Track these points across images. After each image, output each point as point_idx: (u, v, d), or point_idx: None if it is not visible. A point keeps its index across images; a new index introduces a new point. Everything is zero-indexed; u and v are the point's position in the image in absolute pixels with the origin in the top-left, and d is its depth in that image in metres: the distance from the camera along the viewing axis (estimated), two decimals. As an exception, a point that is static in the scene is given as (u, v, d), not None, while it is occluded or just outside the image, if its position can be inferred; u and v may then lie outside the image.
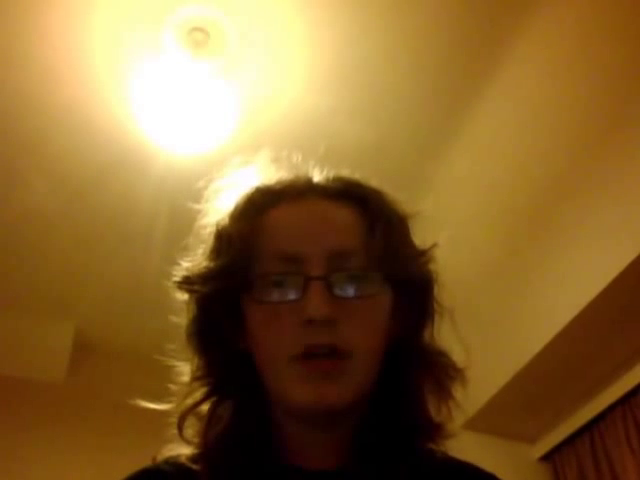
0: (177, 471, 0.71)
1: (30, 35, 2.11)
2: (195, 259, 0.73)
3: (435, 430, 0.72)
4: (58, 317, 3.06)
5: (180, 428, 0.71)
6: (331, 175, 0.79)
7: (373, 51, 2.19)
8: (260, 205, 0.74)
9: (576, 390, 2.47)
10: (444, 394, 0.74)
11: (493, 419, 2.61)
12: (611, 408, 2.41)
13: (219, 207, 0.76)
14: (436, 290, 0.78)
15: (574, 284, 2.18)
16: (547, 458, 2.68)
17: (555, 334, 2.24)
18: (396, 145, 2.41)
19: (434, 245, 0.79)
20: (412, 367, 0.73)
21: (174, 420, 0.72)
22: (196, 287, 0.71)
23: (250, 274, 0.69)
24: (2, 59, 2.17)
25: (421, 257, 0.76)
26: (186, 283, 0.72)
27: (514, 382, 2.44)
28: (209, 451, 0.70)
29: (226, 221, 0.73)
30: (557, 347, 2.27)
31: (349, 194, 0.75)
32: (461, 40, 2.16)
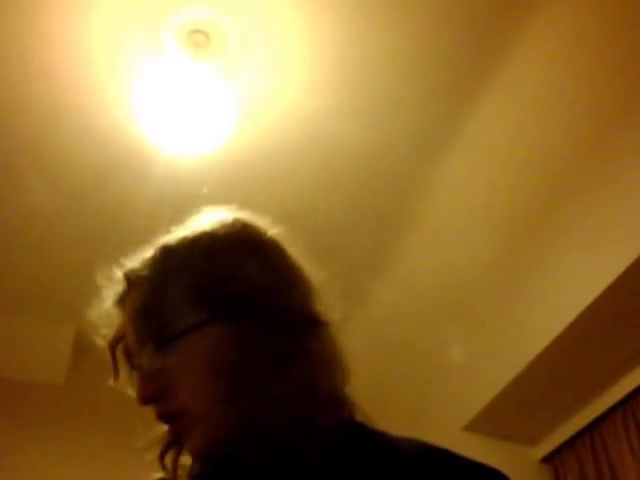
0: None
1: (30, 36, 2.11)
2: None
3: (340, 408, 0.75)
4: (58, 319, 3.05)
5: (161, 462, 0.80)
6: (142, 256, 0.84)
7: (373, 51, 2.19)
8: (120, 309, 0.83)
9: (577, 391, 2.46)
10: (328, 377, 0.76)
11: (494, 421, 2.61)
12: (612, 410, 2.41)
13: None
14: (259, 307, 0.76)
15: (574, 285, 2.18)
16: (548, 460, 2.68)
17: (555, 336, 2.24)
18: (396, 145, 2.40)
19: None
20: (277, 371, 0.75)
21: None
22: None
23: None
24: (2, 59, 2.17)
25: (217, 287, 0.76)
26: None
27: (515, 384, 2.43)
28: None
29: (111, 340, 0.85)
30: (557, 349, 2.27)
31: (132, 280, 0.82)
32: (461, 40, 2.16)
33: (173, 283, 0.77)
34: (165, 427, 0.79)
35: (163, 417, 0.76)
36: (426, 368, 2.75)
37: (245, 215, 0.85)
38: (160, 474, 0.82)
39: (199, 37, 2.12)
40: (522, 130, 2.30)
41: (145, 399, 0.76)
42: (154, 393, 0.75)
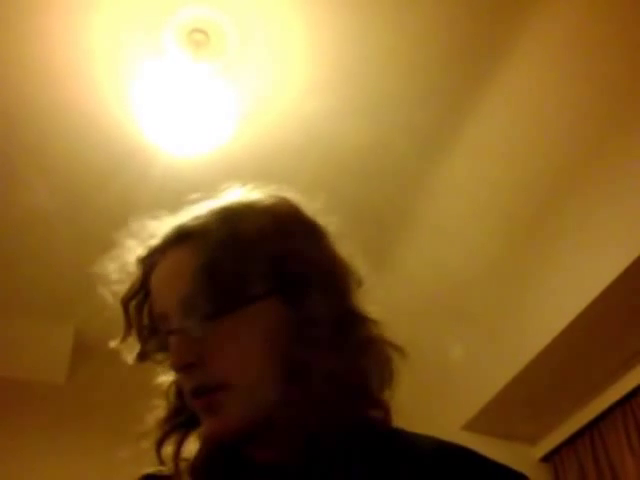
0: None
1: (30, 36, 2.11)
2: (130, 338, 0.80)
3: (373, 410, 0.74)
4: (58, 319, 3.06)
5: (158, 453, 0.77)
6: (188, 213, 0.80)
7: (373, 52, 2.19)
8: (145, 275, 0.78)
9: (576, 391, 2.47)
10: (381, 372, 0.75)
11: (494, 420, 2.61)
12: (611, 409, 2.41)
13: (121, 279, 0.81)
14: (322, 286, 0.74)
15: (574, 285, 2.18)
16: (548, 459, 2.68)
17: (556, 335, 2.24)
18: (396, 145, 2.40)
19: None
20: (318, 366, 0.71)
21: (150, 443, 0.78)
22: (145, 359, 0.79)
23: (157, 338, 0.77)
24: (2, 60, 2.17)
25: (285, 260, 0.74)
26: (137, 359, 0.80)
27: (514, 383, 2.44)
28: (186, 469, 0.76)
29: (125, 295, 0.80)
30: (557, 348, 2.27)
31: (187, 233, 0.76)
32: (461, 41, 2.16)
33: (247, 249, 0.73)
34: (162, 412, 0.78)
35: (198, 388, 0.71)
36: (425, 367, 2.75)
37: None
38: (152, 468, 0.80)
39: (199, 36, 2.12)
40: (522, 130, 2.30)
41: (183, 367, 0.71)
42: (194, 361, 0.71)
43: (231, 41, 2.15)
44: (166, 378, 0.80)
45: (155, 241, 0.78)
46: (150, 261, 0.78)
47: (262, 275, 0.72)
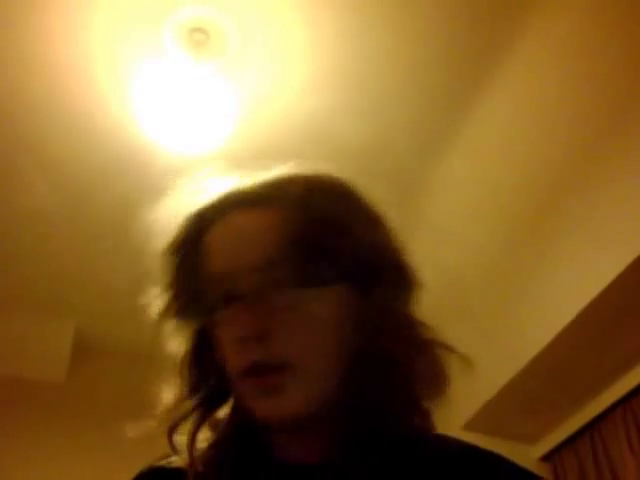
0: (179, 472, 0.72)
1: (30, 35, 2.12)
2: (157, 291, 0.74)
3: (419, 416, 0.71)
4: (58, 317, 3.06)
5: (170, 438, 0.72)
6: (261, 177, 0.77)
7: (373, 51, 2.19)
8: (196, 234, 0.73)
9: (576, 390, 2.47)
10: (432, 376, 0.71)
11: (493, 419, 2.61)
12: (612, 408, 2.41)
13: (165, 234, 0.75)
14: (394, 278, 0.72)
15: (574, 284, 2.18)
16: (547, 458, 2.68)
17: (556, 334, 2.24)
18: (396, 145, 2.40)
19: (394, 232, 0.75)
20: (383, 358, 0.69)
21: (162, 430, 0.72)
22: (169, 318, 0.73)
23: (204, 300, 0.70)
24: (2, 59, 2.17)
25: (367, 247, 0.70)
26: (160, 316, 0.74)
27: (514, 382, 2.44)
28: (198, 459, 0.71)
29: (170, 253, 0.74)
30: (557, 347, 2.27)
31: (270, 197, 0.72)
32: (461, 40, 2.16)
33: (340, 229, 0.69)
34: (176, 390, 0.72)
35: (257, 365, 0.65)
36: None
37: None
38: (157, 460, 0.75)
39: (199, 36, 2.12)
40: (522, 130, 2.30)
41: (246, 338, 0.65)
42: (261, 333, 0.65)
43: (231, 41, 2.15)
44: (178, 349, 0.74)
45: (214, 199, 0.74)
46: (208, 218, 0.72)
47: (345, 258, 0.68)
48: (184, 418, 0.71)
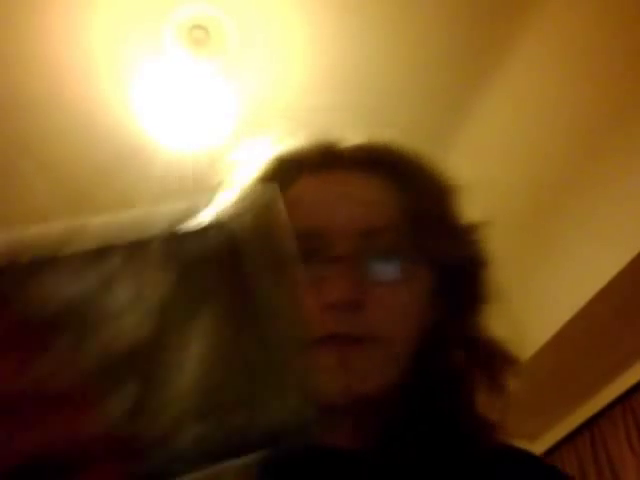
0: None
1: (30, 34, 2.12)
2: None
3: (481, 428, 0.68)
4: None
5: None
6: (361, 140, 0.71)
7: (373, 51, 2.19)
8: (284, 175, 0.66)
9: (576, 388, 2.47)
10: (494, 387, 0.68)
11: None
12: (611, 406, 2.41)
13: (238, 180, 0.69)
14: (485, 272, 0.69)
15: (574, 282, 2.18)
16: (547, 456, 2.69)
17: (555, 332, 2.24)
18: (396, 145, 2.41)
19: (486, 222, 0.71)
20: (449, 357, 0.66)
21: None
22: None
23: None
24: (2, 59, 2.18)
25: (466, 235, 0.67)
26: None
27: (514, 380, 2.44)
28: None
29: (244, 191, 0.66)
30: (557, 345, 2.28)
31: (381, 162, 0.67)
32: (461, 40, 2.17)
33: (451, 205, 0.67)
34: None
35: (343, 334, 0.59)
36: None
37: None
38: None
39: (199, 33, 2.12)
40: (522, 130, 2.30)
41: (341, 304, 0.58)
42: (357, 300, 0.59)
43: (231, 39, 2.15)
44: None
45: (300, 154, 0.69)
46: (295, 167, 0.67)
47: (443, 243, 0.64)
48: None
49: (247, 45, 2.17)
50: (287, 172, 0.66)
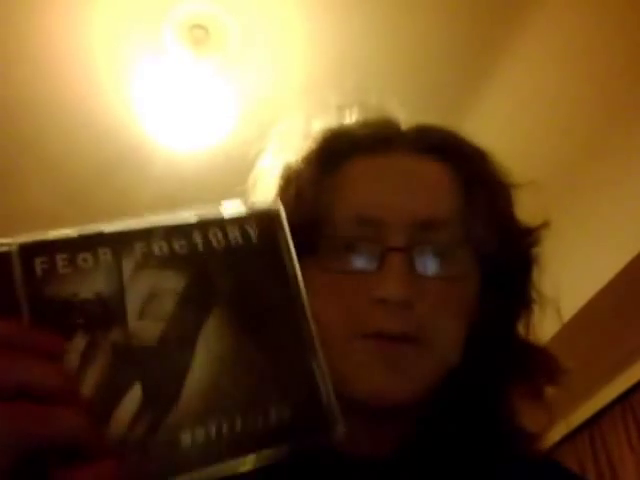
0: None
1: (30, 33, 2.12)
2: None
3: (521, 437, 0.65)
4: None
5: None
6: (423, 124, 0.66)
7: (373, 50, 2.20)
8: (335, 153, 0.61)
9: (576, 387, 2.47)
10: (536, 397, 0.65)
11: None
12: (611, 406, 2.41)
13: (285, 149, 0.65)
14: (536, 276, 0.65)
15: (574, 282, 2.18)
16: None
17: (554, 331, 2.24)
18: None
19: (544, 224, 0.67)
20: (494, 361, 0.61)
21: None
22: None
23: (316, 234, 0.56)
24: (2, 58, 2.18)
25: (525, 235, 0.64)
26: None
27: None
28: None
29: (293, 167, 0.61)
30: (556, 344, 2.28)
31: (446, 149, 0.62)
32: (461, 39, 2.17)
33: (512, 202, 0.63)
34: None
35: (395, 331, 0.54)
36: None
37: None
38: None
39: (199, 32, 2.12)
40: (522, 129, 2.31)
41: (393, 301, 0.53)
42: (409, 300, 0.54)
43: (231, 37, 2.15)
44: None
45: (358, 130, 0.64)
46: (349, 147, 0.61)
47: (503, 240, 0.60)
48: None
49: (247, 44, 2.17)
50: (338, 151, 0.61)
